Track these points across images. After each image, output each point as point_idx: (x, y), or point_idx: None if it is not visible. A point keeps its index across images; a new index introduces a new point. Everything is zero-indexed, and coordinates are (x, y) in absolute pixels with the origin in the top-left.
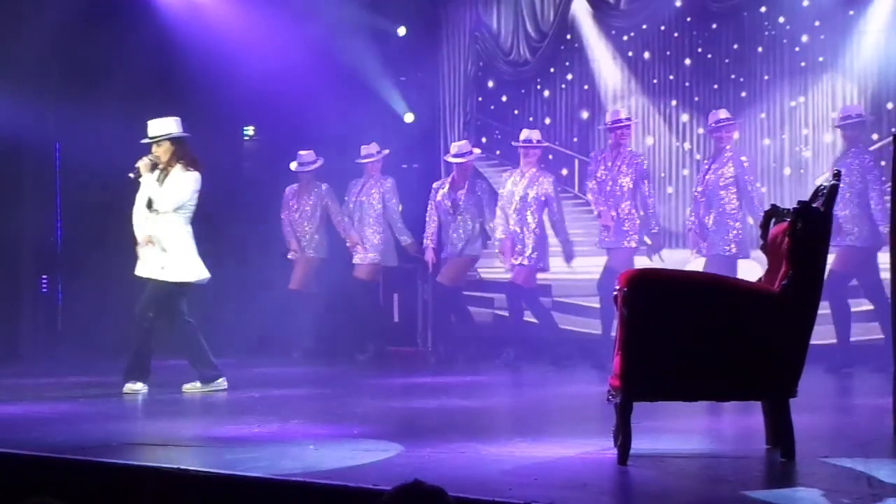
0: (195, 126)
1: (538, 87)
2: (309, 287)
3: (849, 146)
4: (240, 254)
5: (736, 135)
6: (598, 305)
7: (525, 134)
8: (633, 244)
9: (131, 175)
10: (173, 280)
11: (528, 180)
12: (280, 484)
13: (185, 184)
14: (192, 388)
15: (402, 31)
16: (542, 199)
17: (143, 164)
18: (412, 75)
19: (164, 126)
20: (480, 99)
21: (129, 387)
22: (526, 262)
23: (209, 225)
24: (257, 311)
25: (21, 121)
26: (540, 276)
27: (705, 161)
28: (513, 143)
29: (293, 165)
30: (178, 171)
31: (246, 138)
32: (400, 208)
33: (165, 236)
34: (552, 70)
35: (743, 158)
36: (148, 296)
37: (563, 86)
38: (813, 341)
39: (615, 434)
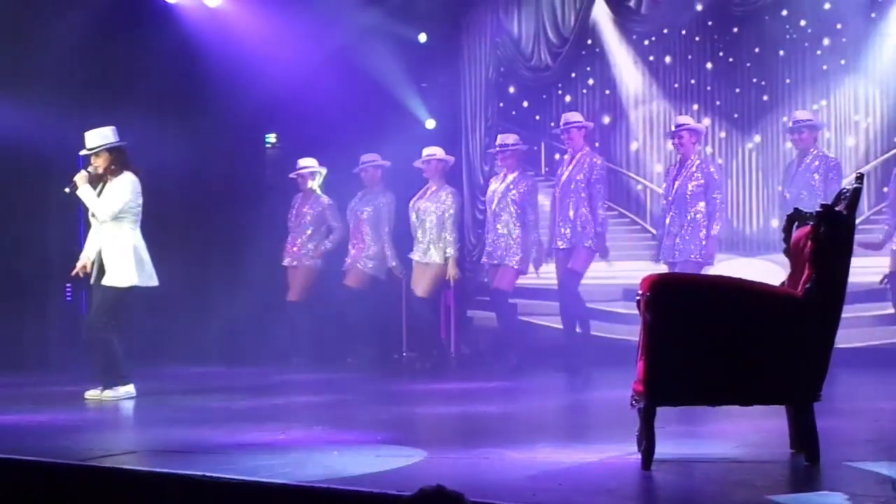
0: (217, 133)
1: (559, 92)
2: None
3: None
4: (263, 261)
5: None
6: (619, 310)
7: (500, 139)
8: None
9: (67, 190)
10: (114, 285)
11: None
12: (304, 490)
13: (121, 189)
14: (94, 395)
15: (423, 37)
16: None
17: (79, 176)
18: (433, 81)
19: (100, 137)
20: (501, 104)
21: (97, 393)
22: (515, 265)
23: (232, 233)
24: (285, 319)
25: (45, 131)
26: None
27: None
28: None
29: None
30: (115, 177)
31: (268, 146)
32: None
33: (109, 243)
34: (573, 75)
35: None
36: (97, 302)
37: (585, 91)
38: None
39: (639, 439)
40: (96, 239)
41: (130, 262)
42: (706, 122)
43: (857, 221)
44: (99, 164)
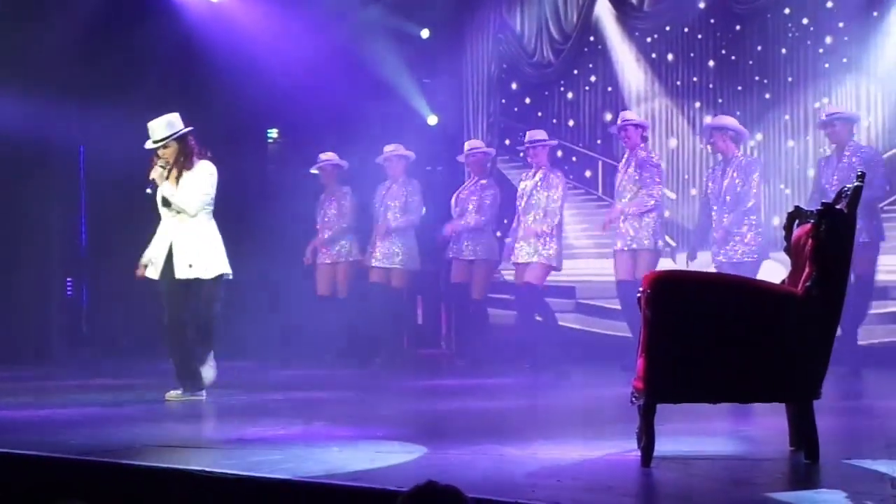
0: (219, 128)
1: (562, 89)
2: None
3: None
4: (263, 256)
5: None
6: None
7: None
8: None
9: (149, 191)
10: (205, 277)
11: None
12: (304, 486)
13: (202, 179)
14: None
15: (425, 33)
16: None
17: (156, 174)
18: (436, 78)
19: (167, 126)
20: (504, 101)
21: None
22: (545, 260)
23: (232, 227)
24: (282, 314)
25: (46, 123)
26: (564, 277)
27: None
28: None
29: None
30: (189, 168)
31: (270, 141)
32: (423, 210)
33: (189, 233)
34: (576, 72)
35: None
36: (179, 297)
37: (587, 88)
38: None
39: (638, 436)
40: (165, 234)
41: (218, 252)
42: (708, 119)
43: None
44: (168, 155)
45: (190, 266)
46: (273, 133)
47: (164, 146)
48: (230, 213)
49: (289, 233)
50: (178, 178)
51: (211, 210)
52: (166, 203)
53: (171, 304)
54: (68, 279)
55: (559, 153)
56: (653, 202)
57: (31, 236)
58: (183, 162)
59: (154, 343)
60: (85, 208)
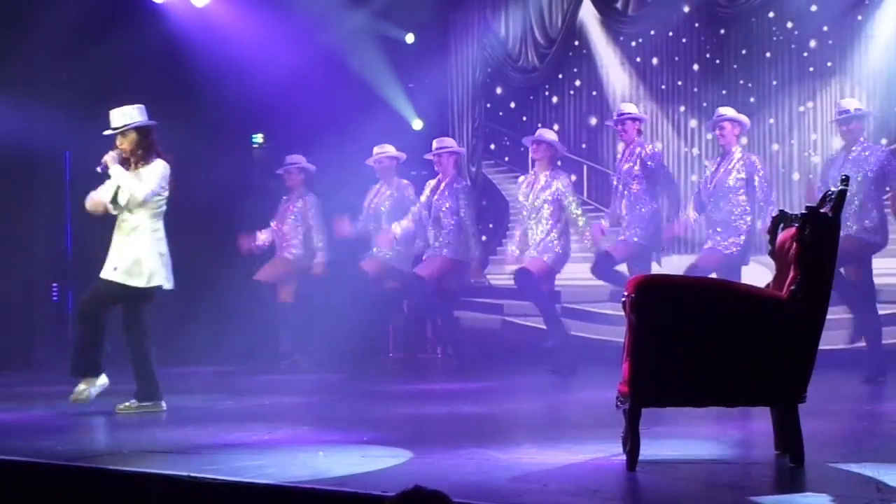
0: (204, 133)
1: (546, 93)
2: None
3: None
4: (246, 261)
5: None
6: (606, 312)
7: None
8: None
9: (98, 169)
10: (125, 283)
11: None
12: (289, 491)
13: (154, 174)
14: (127, 407)
15: (410, 38)
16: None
17: (109, 157)
18: (421, 82)
19: (127, 115)
20: (489, 105)
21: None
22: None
23: (217, 232)
24: (263, 320)
25: (31, 129)
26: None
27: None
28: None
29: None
30: (147, 163)
31: (255, 146)
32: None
33: (127, 235)
34: (560, 76)
35: None
36: (93, 293)
37: (572, 92)
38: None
39: (624, 440)
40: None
41: (154, 261)
42: (693, 123)
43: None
44: (125, 146)
45: (114, 269)
46: (258, 138)
47: (123, 134)
48: (214, 216)
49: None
50: (133, 170)
51: (155, 212)
52: (114, 199)
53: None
54: (54, 284)
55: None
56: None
57: (16, 242)
58: (141, 155)
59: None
60: (70, 214)
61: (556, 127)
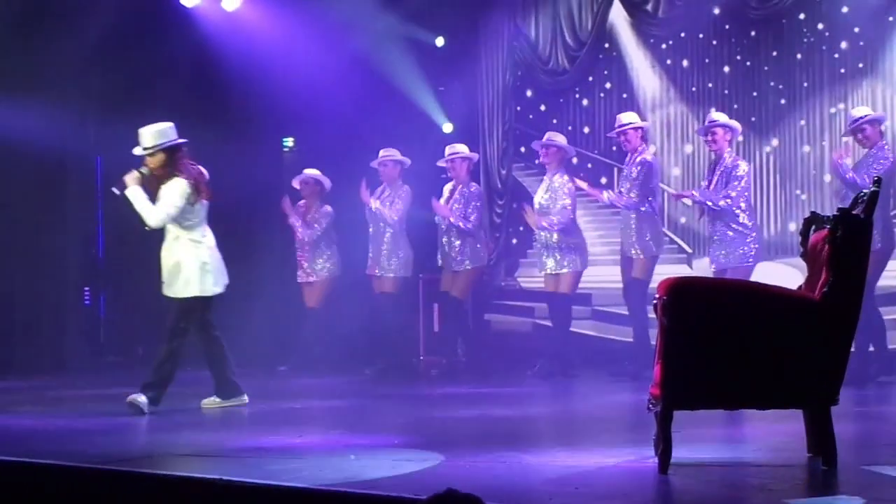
0: (235, 137)
1: (577, 95)
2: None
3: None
4: (279, 264)
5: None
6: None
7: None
8: None
9: (115, 190)
10: (166, 294)
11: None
12: (322, 494)
13: (169, 195)
14: (212, 402)
15: (440, 41)
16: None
17: (130, 176)
18: (451, 85)
19: (157, 135)
20: (519, 108)
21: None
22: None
23: (246, 235)
24: (300, 322)
25: (63, 134)
26: (580, 284)
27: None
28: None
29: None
30: (166, 181)
31: (285, 149)
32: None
33: (172, 251)
34: (590, 79)
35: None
36: (173, 313)
37: (602, 94)
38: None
39: (656, 443)
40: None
41: (194, 271)
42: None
43: None
44: (153, 164)
45: (169, 285)
46: (289, 142)
47: (151, 154)
48: (245, 221)
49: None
50: (156, 190)
51: (190, 225)
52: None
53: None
54: (86, 288)
55: (574, 160)
56: None
57: (48, 246)
58: (164, 174)
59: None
60: (102, 218)
61: (586, 129)
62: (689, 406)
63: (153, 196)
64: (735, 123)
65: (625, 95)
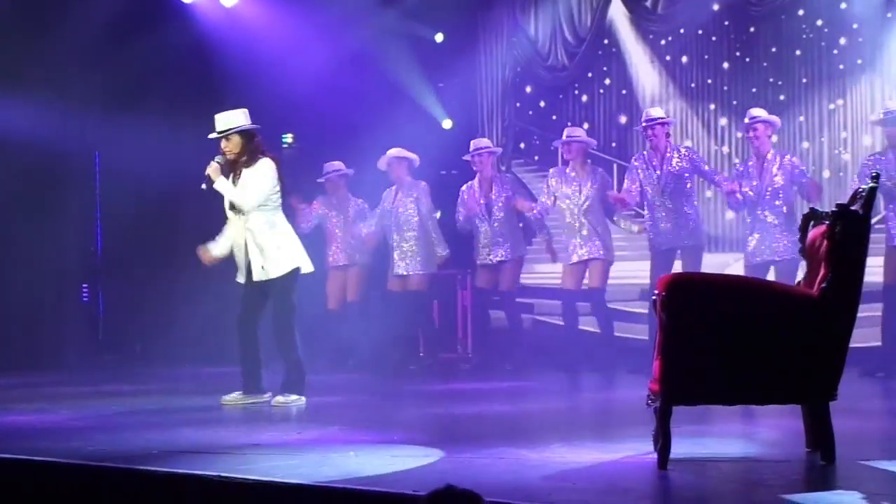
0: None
1: (576, 91)
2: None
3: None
4: None
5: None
6: (638, 310)
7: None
8: None
9: (203, 186)
10: (277, 275)
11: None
12: (320, 491)
13: (260, 174)
14: (234, 399)
15: (439, 37)
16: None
17: (212, 170)
18: (450, 82)
19: (232, 119)
20: (518, 104)
21: (279, 399)
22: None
23: None
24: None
25: (61, 129)
26: (586, 280)
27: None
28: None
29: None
30: (250, 165)
31: (284, 146)
32: (438, 214)
33: (257, 236)
34: (590, 75)
35: None
36: (252, 299)
37: (602, 90)
38: (853, 344)
39: (655, 438)
40: (233, 233)
41: (292, 247)
42: (723, 121)
43: (874, 220)
44: (230, 149)
45: (262, 268)
46: (288, 138)
47: (227, 139)
48: None
49: (304, 238)
50: (238, 175)
51: (275, 206)
52: (232, 206)
53: (245, 304)
54: (84, 285)
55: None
56: None
57: (47, 242)
58: (245, 160)
59: (169, 349)
60: (100, 215)
61: (585, 125)
62: (688, 401)
63: (233, 182)
64: (775, 118)
65: (624, 91)
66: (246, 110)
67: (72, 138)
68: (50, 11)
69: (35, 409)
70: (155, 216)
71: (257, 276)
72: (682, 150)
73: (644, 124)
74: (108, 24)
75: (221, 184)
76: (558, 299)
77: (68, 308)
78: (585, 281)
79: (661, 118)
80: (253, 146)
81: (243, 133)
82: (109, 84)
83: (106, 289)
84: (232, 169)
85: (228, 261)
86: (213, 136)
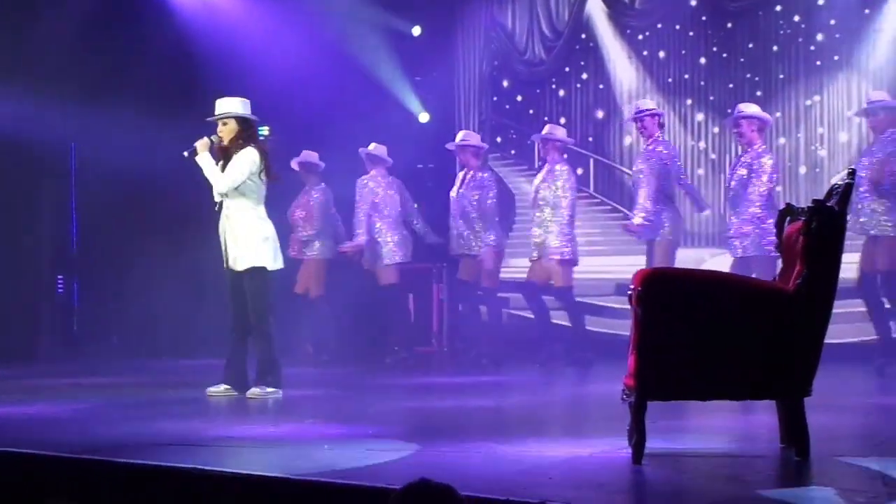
0: (211, 126)
1: (553, 86)
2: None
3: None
4: None
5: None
6: (612, 305)
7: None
8: None
9: (186, 154)
10: (243, 268)
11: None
12: (295, 483)
13: (241, 160)
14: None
15: (416, 30)
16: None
17: (201, 143)
18: (427, 75)
19: (231, 105)
20: (495, 98)
21: (255, 391)
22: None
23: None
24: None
25: (37, 121)
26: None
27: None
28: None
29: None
30: (237, 151)
31: (261, 138)
32: (416, 206)
33: (235, 224)
34: (567, 69)
35: None
36: (234, 285)
37: (579, 85)
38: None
39: (630, 433)
40: (221, 225)
41: (263, 244)
42: (699, 117)
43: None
44: (224, 133)
45: (235, 258)
46: (264, 130)
47: (224, 123)
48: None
49: (281, 231)
50: (227, 159)
51: (256, 199)
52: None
53: (230, 291)
54: (59, 277)
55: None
56: None
57: (21, 234)
58: (240, 145)
59: (144, 341)
60: (75, 206)
61: (562, 120)
62: (662, 397)
63: (221, 169)
64: (765, 115)
65: (601, 86)
66: (247, 100)
67: (47, 129)
68: (27, 3)
69: (10, 400)
70: (130, 208)
71: (231, 263)
72: (660, 148)
73: (634, 115)
74: (84, 16)
75: (204, 158)
76: (521, 292)
77: (43, 300)
78: (551, 280)
79: (651, 109)
80: (247, 135)
81: (240, 120)
82: (86, 75)
83: (81, 281)
84: (222, 155)
85: (207, 253)
86: (210, 119)
